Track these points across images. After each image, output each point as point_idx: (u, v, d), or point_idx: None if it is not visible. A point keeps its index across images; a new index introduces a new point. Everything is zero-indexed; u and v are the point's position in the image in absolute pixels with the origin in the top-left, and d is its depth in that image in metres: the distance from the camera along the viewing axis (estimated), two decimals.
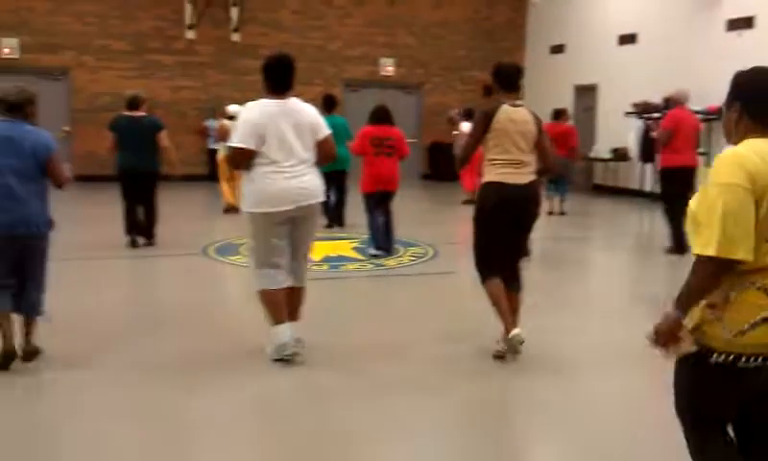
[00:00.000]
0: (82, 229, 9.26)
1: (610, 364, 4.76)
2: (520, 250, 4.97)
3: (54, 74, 14.79)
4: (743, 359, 2.28)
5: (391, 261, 7.97)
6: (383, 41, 16.91)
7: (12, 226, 4.33)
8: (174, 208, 11.41)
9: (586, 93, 15.70)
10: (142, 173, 8.23)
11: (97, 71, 14.95)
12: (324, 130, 4.70)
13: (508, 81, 4.79)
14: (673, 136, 8.19)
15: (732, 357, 2.29)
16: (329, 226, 9.73)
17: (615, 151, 14.43)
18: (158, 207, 8.52)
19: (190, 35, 15.38)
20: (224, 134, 10.23)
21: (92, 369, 4.50)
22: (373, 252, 8.08)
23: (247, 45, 15.68)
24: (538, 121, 4.74)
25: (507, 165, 4.63)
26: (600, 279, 8.13)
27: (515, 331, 4.65)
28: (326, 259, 7.98)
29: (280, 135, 4.46)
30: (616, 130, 14.25)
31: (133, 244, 8.31)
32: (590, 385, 4.42)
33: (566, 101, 15.87)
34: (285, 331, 4.59)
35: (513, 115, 4.65)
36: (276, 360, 4.58)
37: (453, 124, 12.86)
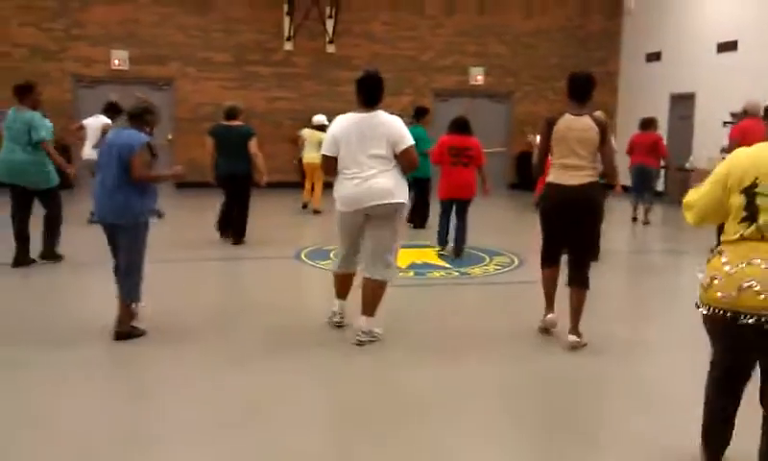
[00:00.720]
0: (182, 231, 9.81)
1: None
2: (581, 247, 5.27)
3: (159, 84, 15.61)
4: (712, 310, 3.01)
5: (476, 270, 8.08)
6: (473, 51, 16.99)
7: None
8: (268, 213, 11.87)
9: (682, 102, 15.30)
10: (235, 176, 8.96)
11: (199, 82, 15.68)
12: (405, 142, 5.13)
13: (576, 91, 5.28)
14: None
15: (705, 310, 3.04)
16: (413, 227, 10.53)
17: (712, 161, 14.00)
18: (249, 210, 9.15)
19: (288, 46, 15.91)
20: (301, 144, 12.48)
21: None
22: (439, 249, 8.68)
23: (341, 56, 16.09)
24: (601, 128, 5.15)
25: (563, 168, 5.15)
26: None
27: (571, 338, 5.18)
28: (412, 266, 8.16)
29: (352, 145, 5.10)
30: (714, 140, 13.82)
31: (223, 236, 9.12)
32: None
33: (662, 110, 15.54)
34: (338, 304, 5.57)
35: (572, 124, 5.15)
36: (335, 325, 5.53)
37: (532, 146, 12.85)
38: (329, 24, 15.86)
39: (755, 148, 3.03)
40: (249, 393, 4.39)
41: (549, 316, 5.50)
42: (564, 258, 5.42)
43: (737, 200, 2.97)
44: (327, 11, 15.79)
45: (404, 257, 8.53)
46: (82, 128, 10.73)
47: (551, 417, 4.16)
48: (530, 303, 6.50)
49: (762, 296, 2.84)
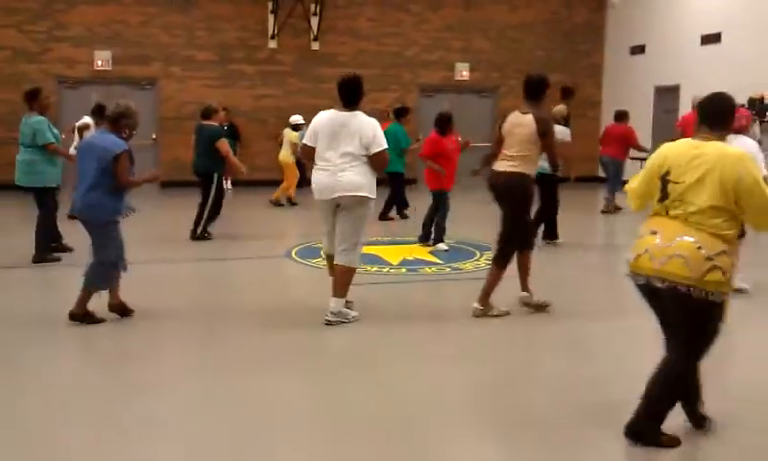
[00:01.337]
0: (167, 231, 9.76)
1: None
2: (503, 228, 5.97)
3: (142, 84, 15.49)
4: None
5: (467, 265, 8.09)
6: (459, 46, 16.99)
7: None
8: (255, 212, 11.83)
9: (667, 95, 15.37)
10: (201, 174, 9.44)
11: (183, 81, 15.57)
12: (378, 145, 5.60)
13: (527, 91, 5.96)
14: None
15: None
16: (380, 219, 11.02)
17: None
18: (210, 207, 9.30)
19: (272, 44, 15.84)
20: (279, 142, 13.11)
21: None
22: (435, 249, 8.85)
23: (326, 53, 16.04)
24: (541, 125, 5.78)
25: (502, 158, 5.87)
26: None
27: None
28: (404, 263, 8.16)
29: (327, 139, 5.58)
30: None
31: (193, 235, 9.29)
32: None
33: (647, 102, 15.62)
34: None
35: (516, 120, 5.89)
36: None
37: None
38: (314, 21, 15.81)
39: (674, 144, 3.68)
40: (240, 398, 4.36)
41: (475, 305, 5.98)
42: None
43: (657, 184, 3.60)
44: (312, 8, 15.73)
45: (396, 253, 8.55)
46: (74, 129, 10.74)
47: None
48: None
49: (651, 258, 3.51)
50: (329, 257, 5.89)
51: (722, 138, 3.59)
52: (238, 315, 6.05)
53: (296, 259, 8.31)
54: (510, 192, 5.87)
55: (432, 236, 8.95)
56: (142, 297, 6.04)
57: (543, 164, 9.15)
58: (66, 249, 8.09)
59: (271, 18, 15.68)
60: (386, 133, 9.17)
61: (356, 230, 5.66)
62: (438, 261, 8.26)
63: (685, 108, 14.63)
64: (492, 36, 17.13)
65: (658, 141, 14.40)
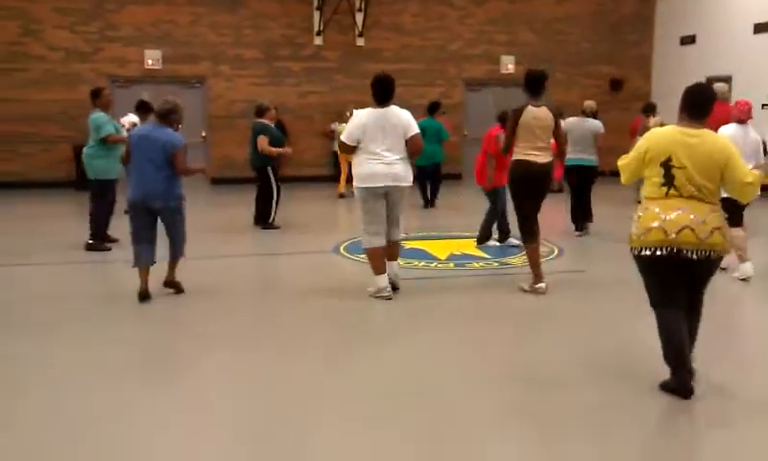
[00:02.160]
0: (218, 227, 9.93)
1: None
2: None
3: (192, 83, 15.76)
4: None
5: (515, 260, 8.04)
6: (504, 39, 16.88)
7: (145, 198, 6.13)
8: (303, 207, 11.95)
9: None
10: (255, 168, 10.05)
11: (231, 79, 15.79)
12: (413, 129, 6.18)
13: (532, 87, 6.47)
14: None
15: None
16: (425, 207, 12.22)
17: None
18: (272, 198, 9.90)
19: (318, 41, 15.96)
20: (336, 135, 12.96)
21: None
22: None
23: (370, 49, 16.10)
24: (555, 117, 6.44)
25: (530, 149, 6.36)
26: None
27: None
28: (451, 258, 8.16)
29: (372, 136, 6.09)
30: (752, 122, 13.58)
31: (263, 225, 9.94)
32: None
33: None
34: (383, 280, 6.33)
35: (535, 114, 6.38)
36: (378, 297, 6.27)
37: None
38: (359, 17, 15.87)
39: (663, 132, 4.20)
40: (293, 384, 4.43)
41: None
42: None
43: (656, 170, 4.09)
44: (357, 4, 15.80)
45: (443, 248, 8.56)
46: (122, 126, 11.03)
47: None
48: (572, 292, 6.49)
49: (697, 234, 3.98)
50: (379, 250, 6.35)
51: (703, 125, 4.15)
52: (289, 306, 6.15)
53: (344, 255, 8.38)
54: (550, 180, 6.54)
55: (494, 235, 8.76)
56: (198, 285, 6.20)
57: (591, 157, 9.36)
58: (113, 240, 8.56)
59: (316, 15, 15.80)
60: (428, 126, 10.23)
61: (403, 212, 6.47)
62: (486, 256, 8.24)
63: (739, 98, 14.32)
64: (537, 29, 16.99)
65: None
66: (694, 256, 3.99)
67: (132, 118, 10.72)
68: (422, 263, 7.84)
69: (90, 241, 8.35)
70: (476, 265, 7.87)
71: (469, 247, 8.70)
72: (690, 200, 4.02)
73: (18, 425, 3.85)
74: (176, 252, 6.36)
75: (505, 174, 8.46)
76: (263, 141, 9.76)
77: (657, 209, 4.04)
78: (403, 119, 6.17)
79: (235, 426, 3.88)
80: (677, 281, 4.12)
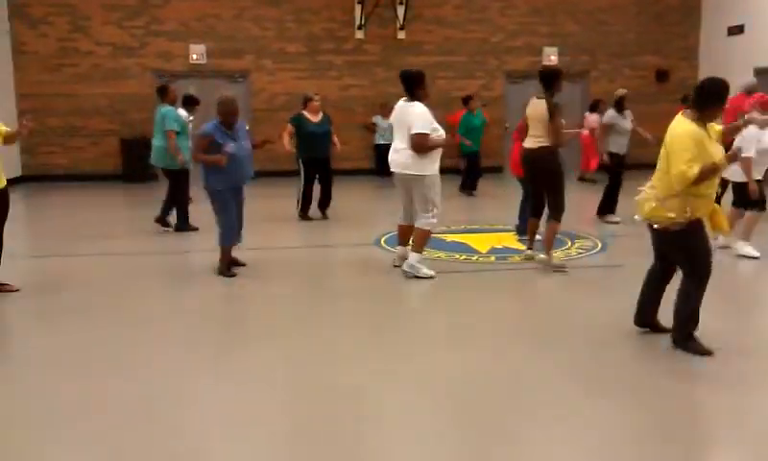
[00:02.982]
0: (262, 220, 10.08)
1: None
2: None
3: (235, 77, 15.94)
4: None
5: (558, 253, 7.99)
6: (546, 31, 16.71)
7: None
8: (343, 199, 12.03)
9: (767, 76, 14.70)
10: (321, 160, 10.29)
11: (274, 73, 15.93)
12: (414, 129, 6.58)
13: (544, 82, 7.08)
14: None
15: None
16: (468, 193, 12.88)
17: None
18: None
19: (359, 35, 16.00)
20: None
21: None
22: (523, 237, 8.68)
23: (412, 42, 16.08)
24: (550, 108, 6.96)
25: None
26: None
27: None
28: (492, 251, 8.15)
29: (395, 124, 6.84)
30: None
31: (305, 218, 10.18)
32: None
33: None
34: (399, 249, 7.31)
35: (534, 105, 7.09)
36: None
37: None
38: (400, 10, 15.86)
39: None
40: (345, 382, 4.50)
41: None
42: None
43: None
44: None
45: (484, 242, 8.56)
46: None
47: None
48: (615, 287, 6.45)
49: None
50: (404, 228, 7.15)
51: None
52: (332, 296, 6.24)
53: (384, 247, 8.43)
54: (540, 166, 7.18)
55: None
56: (248, 276, 6.35)
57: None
58: (169, 225, 9.35)
59: (358, 9, 15.83)
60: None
61: (425, 201, 6.78)
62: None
63: None
64: (580, 19, 16.77)
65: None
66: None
67: (181, 112, 10.88)
68: (463, 256, 7.86)
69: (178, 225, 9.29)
70: (517, 258, 7.85)
71: (511, 240, 8.69)
72: None
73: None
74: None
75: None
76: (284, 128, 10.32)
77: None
78: (411, 117, 6.63)
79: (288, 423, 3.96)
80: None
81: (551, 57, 16.71)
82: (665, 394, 4.23)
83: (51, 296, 6.42)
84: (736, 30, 15.76)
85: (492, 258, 7.83)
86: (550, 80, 7.10)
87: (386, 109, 13.17)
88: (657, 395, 4.21)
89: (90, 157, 15.46)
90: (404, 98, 6.84)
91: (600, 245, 8.41)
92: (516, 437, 3.72)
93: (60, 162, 15.41)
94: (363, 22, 15.86)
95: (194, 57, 15.64)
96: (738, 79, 14.98)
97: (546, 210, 7.27)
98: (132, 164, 14.83)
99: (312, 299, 6.45)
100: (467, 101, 13.18)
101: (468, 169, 13.04)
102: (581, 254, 8.03)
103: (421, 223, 6.86)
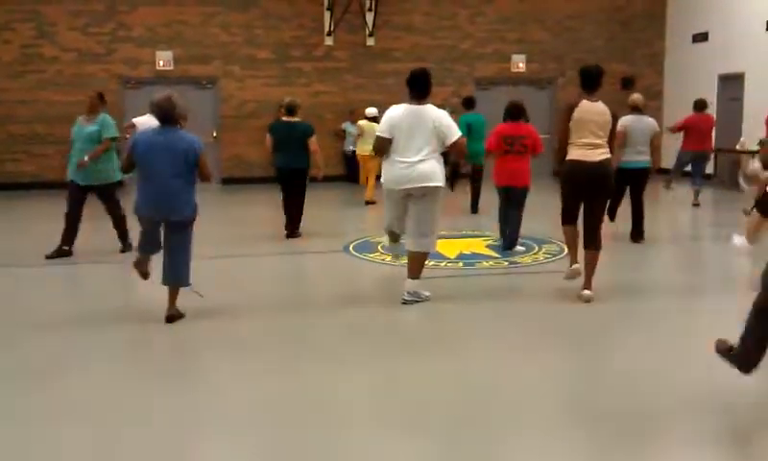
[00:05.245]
0: (231, 227, 9.97)
1: None
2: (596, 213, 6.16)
3: (203, 83, 15.83)
4: None
5: (525, 259, 8.03)
6: (515, 38, 16.85)
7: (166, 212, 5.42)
8: (317, 207, 11.97)
9: (731, 83, 14.96)
10: (294, 172, 9.16)
11: (243, 80, 15.85)
12: (454, 134, 5.92)
13: (587, 82, 6.10)
14: None
15: None
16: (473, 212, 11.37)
17: (763, 143, 13.66)
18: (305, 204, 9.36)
19: (328, 41, 16.00)
20: (360, 133, 12.37)
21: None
22: (492, 244, 8.63)
23: (381, 49, 16.12)
24: (614, 114, 6.14)
25: (583, 147, 5.98)
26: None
27: (585, 292, 6.10)
28: (461, 257, 8.15)
29: (404, 132, 5.84)
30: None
31: (290, 236, 9.23)
32: None
33: (710, 91, 15.21)
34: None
35: (590, 108, 6.00)
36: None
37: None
38: (369, 17, 15.89)
39: None
40: (303, 391, 4.45)
41: (585, 292, 6.14)
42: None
43: None
44: (367, 3, 15.82)
45: (453, 247, 8.55)
46: (133, 126, 10.96)
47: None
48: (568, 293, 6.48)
49: None
50: (392, 233, 6.39)
51: None
52: (305, 304, 6.18)
53: (353, 254, 8.40)
54: (608, 179, 6.07)
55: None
56: (219, 287, 6.26)
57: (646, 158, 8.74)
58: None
59: (327, 15, 15.83)
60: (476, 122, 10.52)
61: (434, 219, 6.04)
62: (495, 255, 8.23)
63: (751, 96, 14.25)
64: (548, 27, 16.94)
65: (723, 131, 14.11)
66: None
67: (152, 119, 10.56)
68: (432, 262, 7.84)
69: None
70: (486, 264, 7.86)
71: (479, 246, 8.70)
72: None
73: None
74: (179, 277, 5.56)
75: (503, 173, 8.33)
76: (315, 143, 9.16)
77: None
78: (439, 120, 5.87)
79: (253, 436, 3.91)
80: None
81: (519, 64, 16.86)
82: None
83: None
84: (701, 37, 16.02)
85: (461, 264, 7.83)
86: (599, 79, 6.14)
87: (354, 116, 13.14)
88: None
89: (56, 165, 15.16)
90: (410, 102, 5.92)
91: (566, 250, 8.45)
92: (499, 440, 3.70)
93: (27, 170, 15.17)
94: (332, 29, 15.85)
95: (161, 63, 15.50)
96: (708, 85, 15.31)
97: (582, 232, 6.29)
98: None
99: (281, 312, 6.39)
100: (472, 103, 11.91)
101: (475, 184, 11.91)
102: (548, 259, 8.06)
103: (422, 244, 6.03)
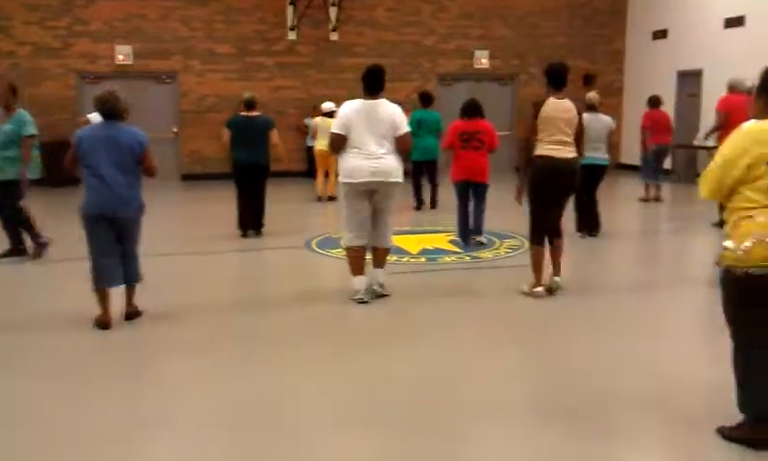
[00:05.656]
0: (194, 224, 9.81)
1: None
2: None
3: (163, 78, 15.58)
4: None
5: (487, 253, 8.05)
6: (477, 34, 16.87)
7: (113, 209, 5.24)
8: (278, 203, 11.86)
9: (690, 79, 15.17)
10: (255, 167, 8.91)
11: (203, 74, 15.63)
12: (403, 128, 5.91)
13: (554, 80, 6.10)
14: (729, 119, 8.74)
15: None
16: (418, 208, 11.22)
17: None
18: (266, 200, 9.15)
19: (291, 36, 15.85)
20: (313, 133, 12.37)
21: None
22: (454, 240, 8.56)
23: (345, 44, 16.02)
24: (579, 111, 6.14)
25: (553, 144, 5.98)
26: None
27: (556, 279, 6.27)
28: (423, 252, 8.14)
29: (362, 128, 5.78)
30: None
31: (245, 234, 8.96)
32: None
33: (669, 87, 15.41)
34: (359, 282, 6.03)
35: (557, 105, 6.01)
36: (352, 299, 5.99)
37: None
38: (333, 12, 15.78)
39: (760, 126, 3.40)
40: (258, 390, 4.38)
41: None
42: None
43: (760, 172, 3.33)
44: None
45: (416, 243, 8.53)
46: (88, 122, 10.74)
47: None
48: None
49: None
50: (358, 251, 6.02)
51: None
52: (264, 302, 6.10)
53: (315, 250, 8.33)
54: (575, 176, 6.15)
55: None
56: (176, 285, 6.13)
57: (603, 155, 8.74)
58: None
59: (290, 10, 15.68)
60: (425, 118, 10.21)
61: (392, 213, 6.10)
62: (458, 250, 8.22)
63: (709, 92, 14.46)
64: (511, 23, 16.99)
65: (682, 126, 14.31)
66: None
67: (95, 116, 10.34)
68: (394, 258, 7.80)
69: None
70: (448, 259, 7.86)
71: (442, 242, 8.69)
72: None
73: None
74: (136, 273, 5.53)
75: (460, 169, 8.33)
76: (276, 136, 9.01)
77: (763, 219, 3.35)
78: (393, 114, 5.89)
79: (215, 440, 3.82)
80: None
81: (482, 60, 16.90)
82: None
83: None
84: (660, 34, 16.21)
85: (423, 259, 7.82)
86: (565, 77, 6.13)
87: (317, 112, 13.00)
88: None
89: None
90: (366, 98, 5.87)
91: (527, 244, 8.46)
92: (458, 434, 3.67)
93: None
94: (295, 23, 15.71)
95: (120, 57, 15.21)
96: (667, 82, 15.50)
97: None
98: (55, 169, 14.28)
99: (241, 309, 6.30)
100: (429, 99, 11.64)
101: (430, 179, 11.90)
102: (509, 253, 8.08)
103: (388, 240, 6.16)
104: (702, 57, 14.66)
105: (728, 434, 3.54)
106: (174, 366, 4.73)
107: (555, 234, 6.27)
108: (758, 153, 3.34)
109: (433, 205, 11.29)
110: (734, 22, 13.89)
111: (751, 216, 3.36)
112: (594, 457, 3.50)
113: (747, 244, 3.33)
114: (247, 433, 3.71)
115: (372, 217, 5.99)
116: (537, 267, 6.20)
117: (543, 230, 6.19)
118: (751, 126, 3.43)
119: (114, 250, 5.36)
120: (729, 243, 3.43)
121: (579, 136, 6.14)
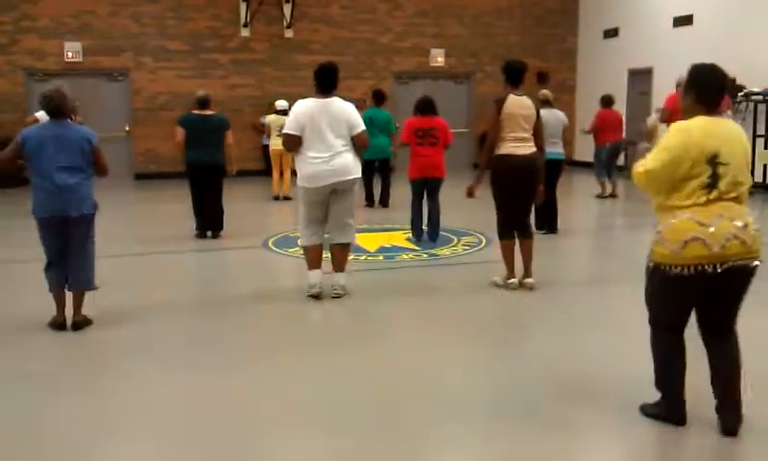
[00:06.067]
0: (148, 224, 9.63)
1: None
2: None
3: (114, 75, 15.28)
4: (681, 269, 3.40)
5: (445, 250, 8.07)
6: (433, 32, 16.94)
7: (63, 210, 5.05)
8: (234, 203, 11.72)
9: (640, 77, 15.47)
10: (210, 167, 8.65)
11: (155, 71, 15.38)
12: (360, 126, 5.84)
13: (512, 77, 6.16)
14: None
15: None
16: (369, 205, 11.28)
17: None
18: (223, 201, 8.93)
19: (245, 33, 15.69)
20: (268, 131, 12.29)
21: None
22: (410, 237, 8.55)
23: (300, 41, 15.93)
24: (537, 108, 6.23)
25: (513, 141, 6.04)
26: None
27: (528, 280, 6.29)
28: (381, 250, 8.12)
29: (316, 127, 5.69)
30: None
31: (202, 235, 8.78)
32: None
33: (620, 85, 15.68)
34: (314, 276, 6.00)
35: (517, 102, 6.08)
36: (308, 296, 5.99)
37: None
38: (287, 9, 15.67)
39: (706, 124, 3.44)
40: (217, 393, 4.31)
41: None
42: None
43: (701, 169, 3.38)
44: None
45: (373, 241, 8.51)
46: (36, 121, 10.44)
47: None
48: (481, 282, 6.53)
49: (744, 243, 3.37)
50: (313, 249, 6.02)
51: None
52: (220, 303, 6.01)
53: (272, 249, 8.25)
54: (537, 171, 6.16)
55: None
56: (130, 287, 5.99)
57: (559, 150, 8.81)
58: None
59: (243, 6, 15.53)
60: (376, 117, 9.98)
61: (351, 210, 6.02)
62: (415, 248, 8.23)
63: (659, 90, 14.74)
64: (466, 22, 17.10)
65: (633, 124, 14.58)
66: (739, 268, 3.39)
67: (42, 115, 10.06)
68: (352, 256, 7.76)
69: None
70: (406, 256, 7.86)
71: (400, 239, 8.69)
72: (732, 202, 3.42)
73: None
74: (86, 280, 5.27)
75: (416, 166, 8.35)
76: (231, 136, 8.82)
77: (693, 217, 3.37)
78: (348, 112, 5.82)
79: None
80: (699, 303, 3.55)
81: (438, 58, 16.97)
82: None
83: None
84: (612, 33, 16.50)
85: (381, 257, 7.80)
86: (523, 74, 6.24)
87: (272, 110, 12.88)
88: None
89: None
90: (318, 96, 5.80)
91: (484, 241, 8.53)
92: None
93: None
94: (248, 20, 15.55)
95: (69, 55, 14.88)
96: (619, 80, 15.77)
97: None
98: (5, 169, 13.90)
99: (202, 309, 6.20)
100: (382, 98, 11.54)
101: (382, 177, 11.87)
102: (466, 250, 8.12)
103: (348, 236, 6.07)
104: (652, 55, 14.97)
105: (648, 411, 3.73)
106: (125, 371, 4.62)
107: (523, 231, 6.30)
108: (699, 151, 3.38)
109: (385, 203, 11.29)
110: (683, 21, 14.21)
111: (686, 215, 3.39)
112: (553, 451, 3.52)
113: (681, 242, 3.36)
114: (202, 436, 3.65)
115: (332, 214, 5.94)
116: (507, 260, 6.30)
117: (511, 225, 6.26)
118: (692, 124, 3.45)
119: (65, 254, 5.20)
120: (661, 240, 3.45)
121: (538, 132, 6.20)
